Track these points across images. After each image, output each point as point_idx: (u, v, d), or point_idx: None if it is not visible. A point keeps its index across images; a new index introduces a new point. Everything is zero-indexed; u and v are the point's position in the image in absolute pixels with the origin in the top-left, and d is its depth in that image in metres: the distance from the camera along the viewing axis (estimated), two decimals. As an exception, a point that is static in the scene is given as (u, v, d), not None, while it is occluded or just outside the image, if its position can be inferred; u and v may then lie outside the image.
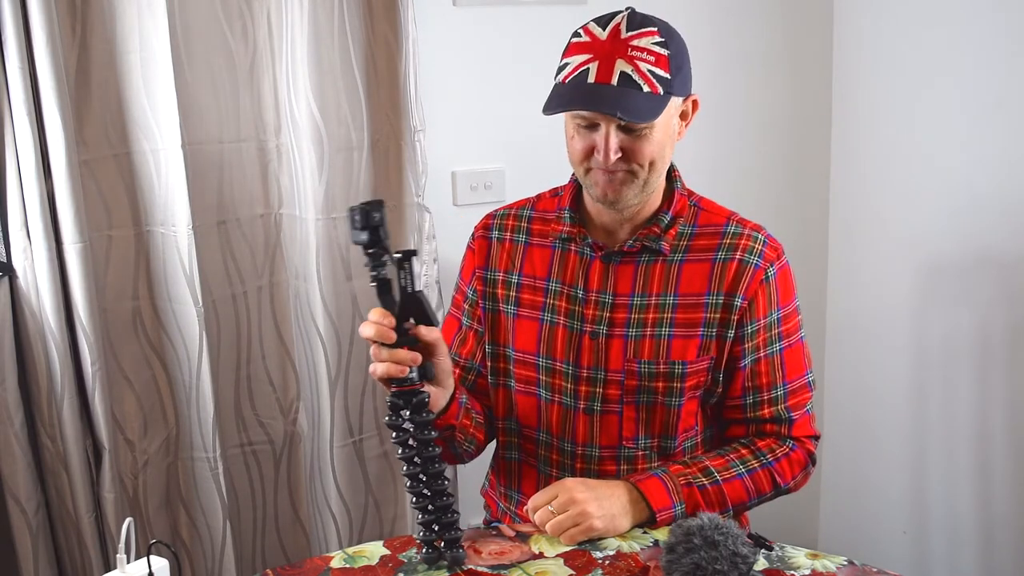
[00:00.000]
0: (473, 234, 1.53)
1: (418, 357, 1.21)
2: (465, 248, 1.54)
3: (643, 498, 1.30)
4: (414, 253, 1.21)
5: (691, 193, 1.45)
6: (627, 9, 1.31)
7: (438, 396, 1.30)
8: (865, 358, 2.41)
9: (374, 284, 1.19)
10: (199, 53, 1.79)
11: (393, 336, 1.19)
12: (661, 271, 1.39)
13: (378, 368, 1.20)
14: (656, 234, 1.39)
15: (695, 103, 1.38)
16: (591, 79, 1.26)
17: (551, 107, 1.30)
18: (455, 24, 2.03)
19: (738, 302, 1.37)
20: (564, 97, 1.29)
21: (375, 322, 1.19)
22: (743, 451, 1.39)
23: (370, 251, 1.17)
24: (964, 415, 2.15)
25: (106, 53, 1.73)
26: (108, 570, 1.19)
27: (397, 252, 1.19)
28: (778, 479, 1.39)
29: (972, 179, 2.07)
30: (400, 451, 1.21)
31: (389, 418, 1.21)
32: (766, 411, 1.41)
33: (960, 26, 2.06)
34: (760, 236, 1.40)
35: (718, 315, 1.37)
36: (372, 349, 1.20)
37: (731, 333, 1.38)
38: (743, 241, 1.39)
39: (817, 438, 1.46)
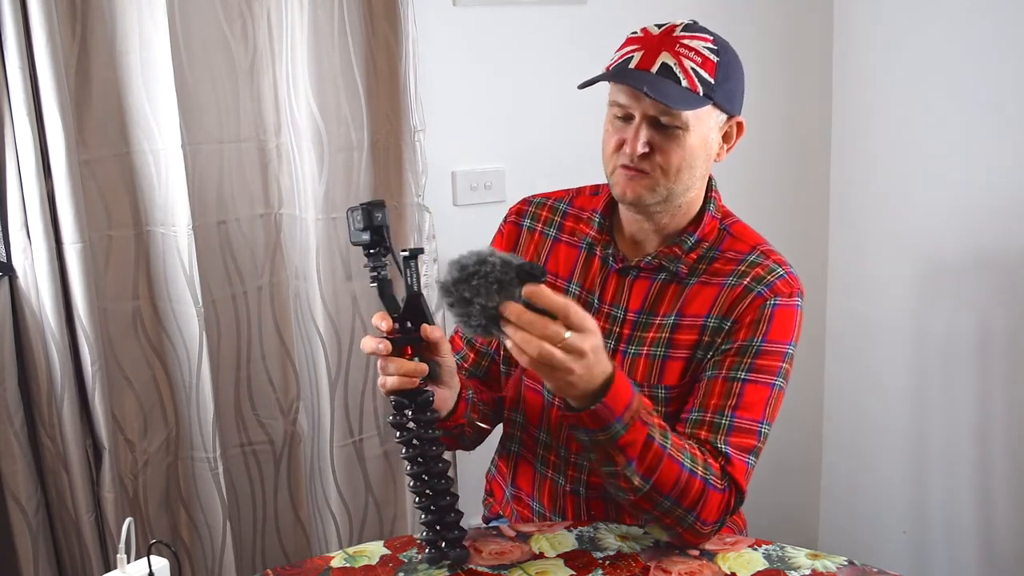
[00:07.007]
0: (505, 218, 1.51)
1: (425, 368, 1.20)
2: (495, 232, 1.52)
3: (607, 388, 1.11)
4: (421, 251, 1.21)
5: (726, 215, 1.39)
6: (690, 20, 1.29)
7: (445, 397, 1.28)
8: (865, 358, 2.41)
9: (374, 284, 1.19)
10: (199, 53, 1.79)
11: (389, 347, 1.18)
12: (673, 292, 1.34)
13: (388, 381, 1.19)
14: (676, 255, 1.34)
15: (740, 125, 1.33)
16: (632, 65, 1.25)
17: (585, 83, 1.28)
18: (455, 24, 2.03)
19: (727, 325, 1.29)
20: (599, 77, 1.28)
21: (375, 337, 1.18)
22: (698, 453, 1.22)
23: (372, 251, 1.18)
24: (964, 415, 2.14)
25: (106, 53, 1.72)
26: (108, 570, 1.19)
27: (404, 250, 1.19)
28: (702, 508, 1.20)
29: (972, 179, 2.07)
30: (404, 450, 1.21)
31: (393, 417, 1.21)
32: (704, 433, 1.26)
33: (960, 27, 2.06)
34: (780, 270, 1.31)
35: (708, 338, 1.30)
36: (379, 362, 1.20)
37: (709, 354, 1.30)
38: (758, 270, 1.31)
39: (741, 502, 1.26)
